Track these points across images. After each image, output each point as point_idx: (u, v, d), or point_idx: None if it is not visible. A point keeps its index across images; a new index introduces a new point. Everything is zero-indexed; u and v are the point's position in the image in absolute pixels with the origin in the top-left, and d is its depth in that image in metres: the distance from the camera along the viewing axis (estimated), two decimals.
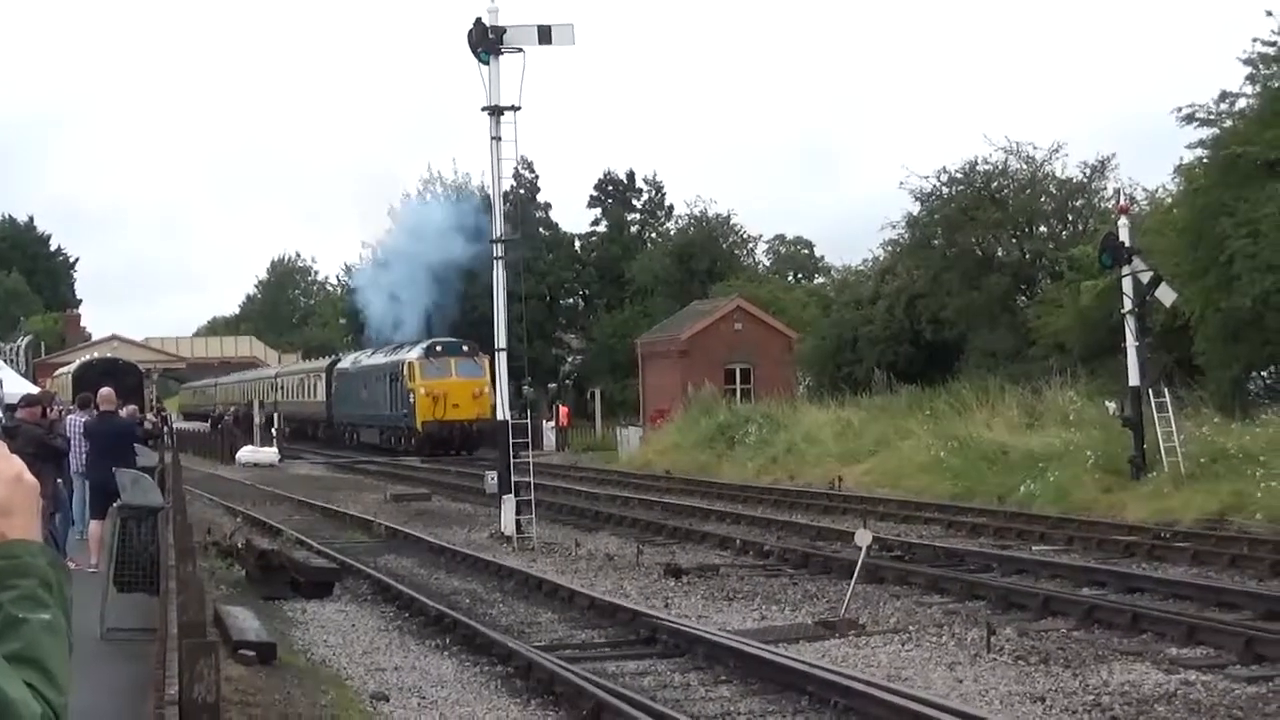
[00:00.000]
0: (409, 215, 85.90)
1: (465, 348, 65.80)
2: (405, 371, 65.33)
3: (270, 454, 62.51)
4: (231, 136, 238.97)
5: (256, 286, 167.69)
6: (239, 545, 25.06)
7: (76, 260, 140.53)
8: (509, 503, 30.86)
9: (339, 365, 79.83)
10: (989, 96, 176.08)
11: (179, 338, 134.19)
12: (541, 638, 18.22)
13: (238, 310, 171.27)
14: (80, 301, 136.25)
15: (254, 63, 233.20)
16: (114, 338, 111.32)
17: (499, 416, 32.45)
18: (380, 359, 71.56)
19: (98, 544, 19.58)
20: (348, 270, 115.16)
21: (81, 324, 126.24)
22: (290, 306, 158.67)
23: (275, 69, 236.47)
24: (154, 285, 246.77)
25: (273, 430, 67.98)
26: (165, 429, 51.93)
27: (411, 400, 64.40)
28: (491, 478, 34.47)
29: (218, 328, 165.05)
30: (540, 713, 14.09)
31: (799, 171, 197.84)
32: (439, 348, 65.86)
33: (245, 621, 16.86)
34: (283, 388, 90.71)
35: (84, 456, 21.69)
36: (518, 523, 30.45)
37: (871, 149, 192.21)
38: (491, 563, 25.45)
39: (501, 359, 32.83)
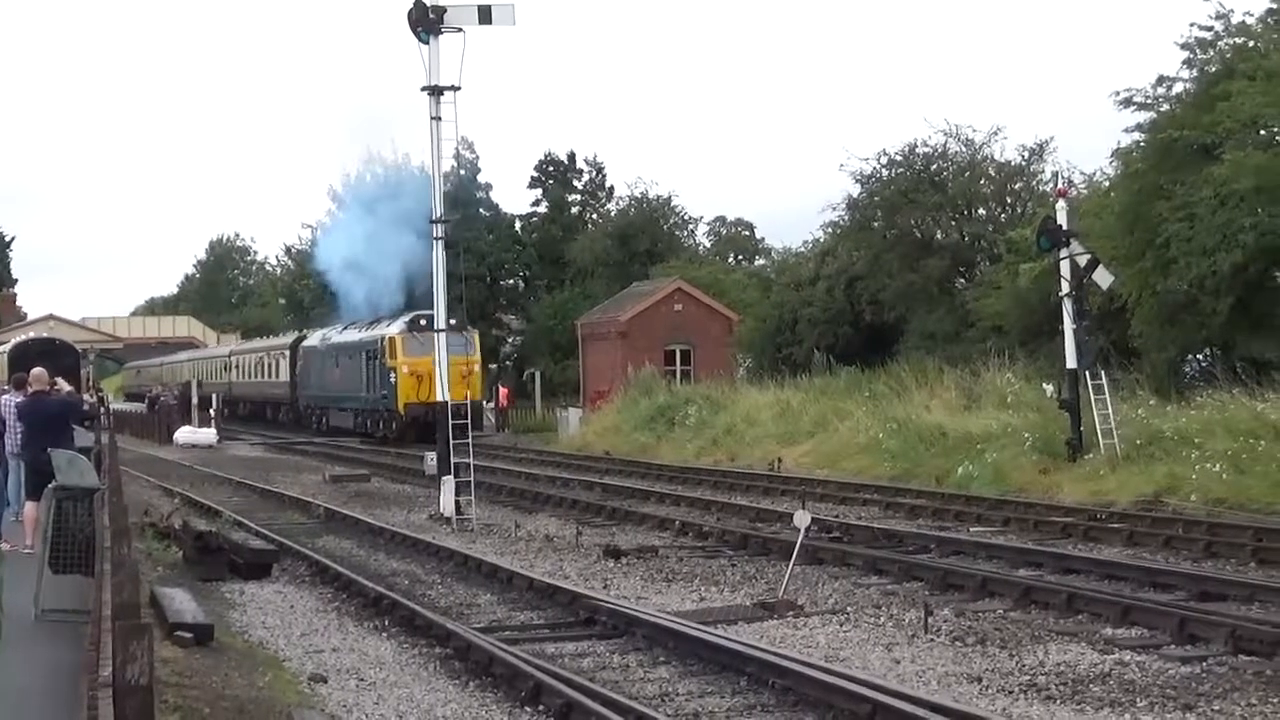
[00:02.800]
0: (364, 185, 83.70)
1: (452, 321, 60.67)
2: (385, 348, 59.42)
3: (208, 435, 62.15)
4: (167, 114, 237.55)
5: (195, 266, 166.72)
6: (176, 526, 24.93)
7: (12, 240, 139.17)
8: (448, 484, 30.83)
9: (305, 342, 73.83)
10: (929, 79, 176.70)
11: (116, 317, 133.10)
12: (480, 619, 18.21)
13: (176, 290, 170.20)
14: (16, 280, 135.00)
15: (193, 40, 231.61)
16: (50, 317, 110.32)
17: (438, 397, 32.39)
18: (355, 335, 65.53)
19: (33, 525, 19.42)
20: (288, 250, 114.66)
21: (17, 303, 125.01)
22: (230, 287, 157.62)
23: (215, 47, 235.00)
24: (91, 264, 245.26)
25: (210, 411, 67.38)
26: (102, 409, 51.56)
27: (392, 380, 58.45)
28: (431, 459, 34.44)
29: (155, 307, 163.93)
30: (479, 694, 14.08)
31: (740, 153, 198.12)
32: (423, 321, 58.31)
33: (182, 603, 16.79)
34: (238, 367, 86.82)
35: (19, 437, 21.50)
36: (457, 504, 30.44)
37: (813, 131, 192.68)
38: (431, 544, 25.41)
39: (441, 340, 32.86)
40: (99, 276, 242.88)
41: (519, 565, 22.63)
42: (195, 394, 69.74)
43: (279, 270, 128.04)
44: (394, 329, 59.73)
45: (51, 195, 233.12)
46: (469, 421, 32.16)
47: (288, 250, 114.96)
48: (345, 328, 68.84)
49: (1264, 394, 30.32)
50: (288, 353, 75.76)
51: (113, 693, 7.70)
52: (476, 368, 57.13)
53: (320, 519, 31.30)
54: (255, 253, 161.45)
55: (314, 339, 73.11)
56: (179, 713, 11.78)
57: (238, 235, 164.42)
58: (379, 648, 16.65)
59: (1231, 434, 28.64)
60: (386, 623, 18.11)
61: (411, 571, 23.05)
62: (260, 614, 19.22)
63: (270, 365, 79.88)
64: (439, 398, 32.35)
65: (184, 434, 61.86)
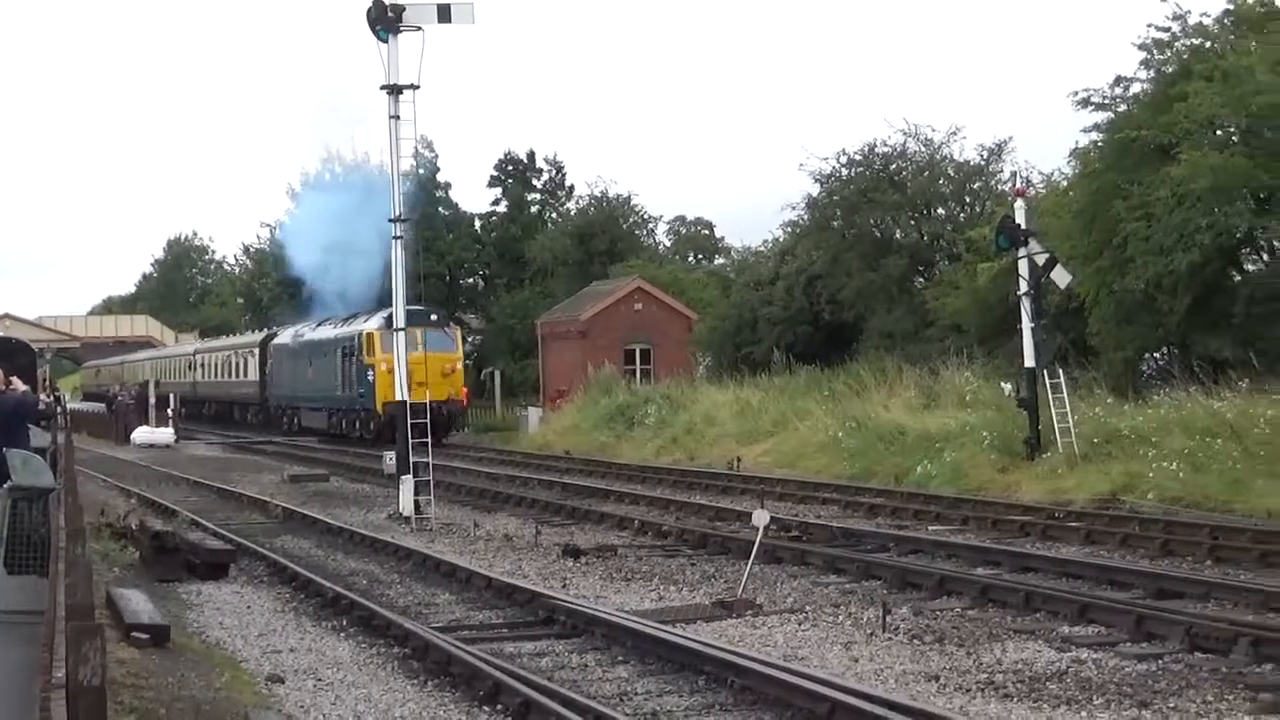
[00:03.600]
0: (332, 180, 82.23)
1: (434, 316, 56.15)
2: (362, 344, 55.91)
3: (166, 435, 61.85)
4: (123, 111, 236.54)
5: (153, 265, 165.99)
6: (133, 527, 24.82)
7: None
8: (407, 483, 30.78)
9: (276, 340, 70.97)
10: (888, 79, 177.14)
11: (73, 316, 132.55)
12: (439, 619, 18.17)
13: (134, 289, 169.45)
14: None
15: (150, 38, 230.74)
16: (6, 317, 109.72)
17: (398, 397, 32.29)
18: (329, 331, 62.12)
19: None
20: (247, 250, 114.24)
21: None
22: (188, 286, 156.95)
23: (172, 44, 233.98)
24: (47, 264, 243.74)
25: (168, 411, 67.00)
26: (58, 409, 51.20)
27: (370, 378, 54.62)
28: (390, 458, 34.37)
29: (113, 306, 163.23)
30: (437, 694, 14.05)
31: (700, 153, 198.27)
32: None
33: (138, 603, 16.71)
34: (204, 366, 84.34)
35: None
36: (416, 503, 30.38)
37: (772, 130, 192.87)
38: (389, 543, 25.35)
39: (400, 339, 32.78)
40: (55, 276, 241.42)
41: (478, 564, 22.60)
42: (153, 393, 69.18)
43: (237, 269, 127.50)
44: (372, 324, 56.31)
45: (6, 193, 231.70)
46: (429, 420, 31.91)
47: (246, 250, 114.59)
48: (319, 324, 65.79)
49: (1220, 393, 30.48)
50: (257, 351, 73.34)
51: (66, 694, 7.66)
52: (460, 365, 55.65)
53: (278, 519, 31.19)
54: (214, 252, 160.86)
55: (285, 336, 70.15)
56: (135, 714, 11.73)
57: (195, 234, 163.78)
58: (337, 648, 16.60)
59: (1188, 432, 28.80)
60: (345, 622, 18.06)
61: (370, 571, 22.99)
62: (217, 614, 19.14)
63: (238, 364, 77.38)
64: (398, 396, 32.24)
65: (141, 434, 61.55)
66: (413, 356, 53.07)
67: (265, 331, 77.27)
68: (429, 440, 31.16)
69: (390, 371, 49.87)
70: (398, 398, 32.33)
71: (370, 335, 55.67)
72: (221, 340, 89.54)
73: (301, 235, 75.76)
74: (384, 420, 52.41)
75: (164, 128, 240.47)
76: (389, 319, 53.82)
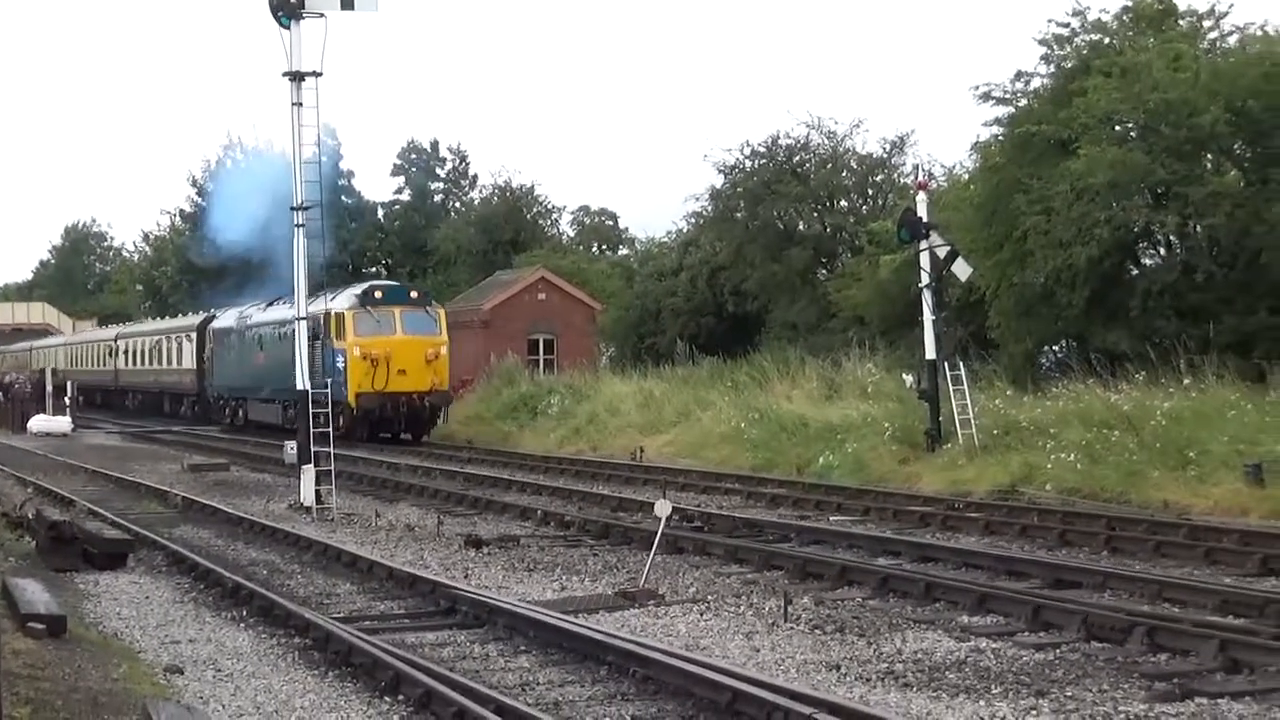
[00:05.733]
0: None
1: (414, 294, 52.58)
2: (330, 326, 48.31)
3: (63, 423, 61.12)
4: (18, 95, 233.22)
5: (50, 252, 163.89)
6: (29, 516, 24.52)
7: None
8: (308, 473, 30.58)
9: (216, 323, 64.59)
10: (792, 71, 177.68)
11: None
12: (340, 609, 18.07)
13: (31, 276, 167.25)
14: None
15: (46, 19, 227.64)
16: None
17: (299, 386, 32.04)
18: (285, 311, 51.08)
19: None
20: (146, 237, 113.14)
21: None
22: (86, 273, 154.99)
23: (69, 27, 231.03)
24: None
25: (65, 399, 66.10)
26: None
27: (340, 364, 48.45)
28: (291, 448, 34.16)
29: (10, 294, 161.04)
30: (338, 684, 13.98)
31: (604, 143, 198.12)
32: (379, 293, 51.24)
33: (34, 594, 16.51)
34: (128, 353, 78.88)
35: None
36: (317, 493, 30.19)
37: (676, 121, 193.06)
38: (290, 533, 25.17)
39: (302, 328, 32.52)
40: None
41: (379, 555, 22.49)
42: (50, 381, 68.12)
43: (137, 257, 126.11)
44: (341, 302, 50.25)
45: None
46: (330, 409, 31.70)
47: (146, 237, 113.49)
48: (270, 303, 58.26)
49: (1117, 385, 30.87)
50: (194, 335, 66.98)
51: None
52: (444, 350, 50.86)
53: (178, 508, 30.91)
54: (113, 239, 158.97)
55: (228, 318, 63.42)
56: (30, 705, 11.59)
57: (94, 221, 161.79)
58: (237, 638, 16.47)
59: (1085, 424, 29.16)
60: (245, 613, 17.92)
61: (270, 561, 22.83)
62: (115, 605, 18.94)
63: (171, 350, 71.18)
64: (299, 385, 31.94)
65: (38, 422, 60.78)
66: (389, 340, 49.80)
67: (204, 313, 71.01)
68: (330, 430, 30.95)
69: (364, 358, 48.24)
70: (298, 385, 31.92)
71: (340, 315, 49.68)
72: (150, 324, 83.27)
73: (232, 212, 70.99)
74: (358, 415, 48.98)
75: (61, 112, 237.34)
76: (362, 296, 50.58)
